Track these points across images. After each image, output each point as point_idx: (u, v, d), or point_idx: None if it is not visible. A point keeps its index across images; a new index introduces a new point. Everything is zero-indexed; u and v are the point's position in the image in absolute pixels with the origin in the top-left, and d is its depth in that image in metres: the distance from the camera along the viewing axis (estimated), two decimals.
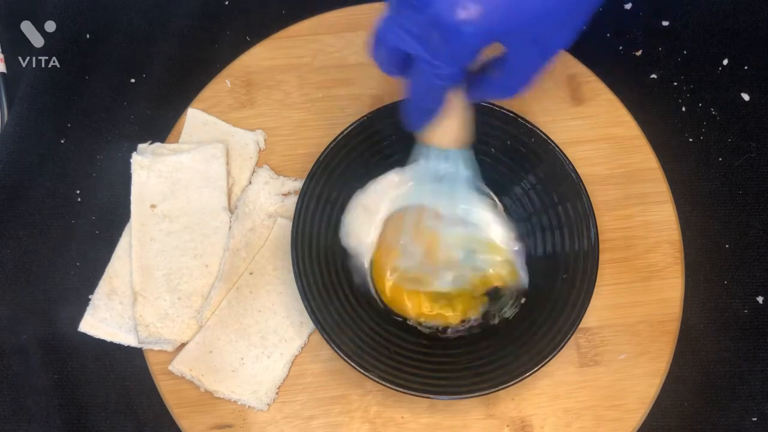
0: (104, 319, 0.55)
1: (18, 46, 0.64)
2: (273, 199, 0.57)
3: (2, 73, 0.64)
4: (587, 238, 0.52)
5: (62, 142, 0.61)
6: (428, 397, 0.50)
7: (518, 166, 0.55)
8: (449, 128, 0.46)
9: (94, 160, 0.61)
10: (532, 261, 0.54)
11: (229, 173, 0.58)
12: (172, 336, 0.54)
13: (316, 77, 0.60)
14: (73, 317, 0.55)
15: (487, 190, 0.55)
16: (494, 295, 0.54)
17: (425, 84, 0.41)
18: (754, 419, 0.55)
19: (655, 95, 0.62)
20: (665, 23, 0.64)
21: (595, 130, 0.59)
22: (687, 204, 0.59)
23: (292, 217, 0.53)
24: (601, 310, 0.55)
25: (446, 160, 0.48)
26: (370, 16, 0.61)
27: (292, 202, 0.57)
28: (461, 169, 0.49)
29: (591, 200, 0.52)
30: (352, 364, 0.49)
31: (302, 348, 0.55)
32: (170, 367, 0.53)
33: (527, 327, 0.52)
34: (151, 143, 0.58)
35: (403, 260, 0.53)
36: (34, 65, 0.62)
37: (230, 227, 0.57)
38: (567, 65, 0.60)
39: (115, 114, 0.62)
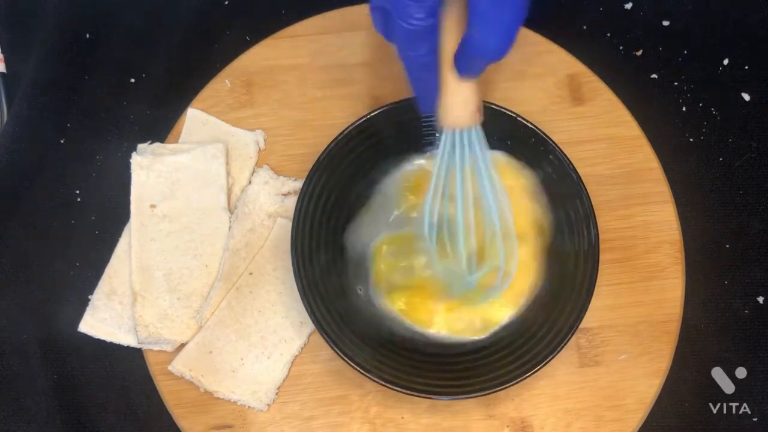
0: (104, 319, 0.55)
1: (18, 46, 0.64)
2: (273, 199, 0.57)
3: (2, 73, 0.64)
4: (587, 238, 0.51)
5: (62, 142, 0.61)
6: (428, 398, 0.50)
7: (518, 166, 0.55)
8: (453, 106, 0.46)
9: (94, 160, 0.61)
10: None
11: (229, 173, 0.58)
12: (171, 336, 0.54)
13: (316, 77, 0.60)
14: (73, 317, 0.55)
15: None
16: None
17: (404, 31, 0.41)
18: (755, 419, 0.55)
19: (655, 95, 0.62)
20: (665, 23, 0.64)
21: (595, 130, 0.59)
22: (687, 204, 0.59)
23: (292, 217, 0.53)
24: (601, 310, 0.55)
25: (459, 140, 0.47)
26: (370, 16, 0.61)
27: (292, 202, 0.57)
28: (474, 148, 0.47)
29: (591, 200, 0.52)
30: (352, 364, 0.49)
31: (302, 348, 0.54)
32: (170, 368, 0.53)
33: (527, 327, 0.52)
34: (151, 143, 0.58)
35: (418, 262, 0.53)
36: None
37: (230, 227, 0.57)
38: (567, 65, 0.60)
39: (115, 114, 0.62)
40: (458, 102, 0.46)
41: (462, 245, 0.50)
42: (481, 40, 0.41)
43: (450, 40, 0.44)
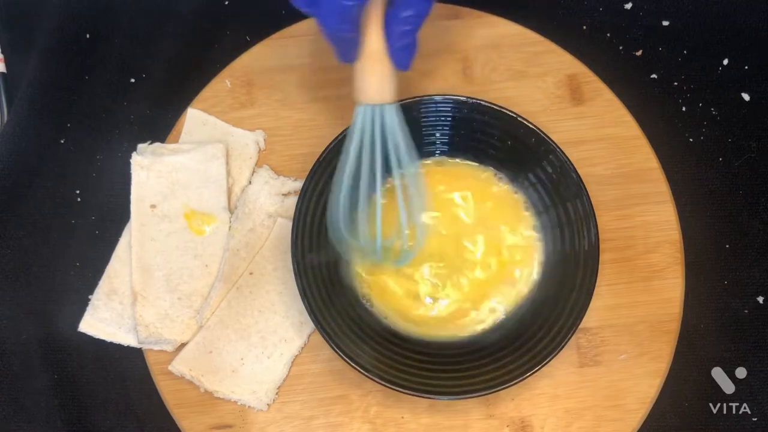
0: (104, 319, 0.55)
1: (18, 46, 0.64)
2: (273, 199, 0.57)
3: (2, 73, 0.64)
4: (587, 239, 0.51)
5: (62, 142, 0.61)
6: (428, 397, 0.50)
7: (519, 166, 0.55)
8: (371, 81, 0.47)
9: (94, 160, 0.61)
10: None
11: (229, 173, 0.58)
12: (172, 336, 0.54)
13: (316, 77, 0.60)
14: (73, 317, 0.55)
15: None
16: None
17: (332, 11, 0.44)
18: (755, 419, 0.55)
19: (655, 95, 0.62)
20: (665, 23, 0.64)
21: (595, 130, 0.59)
22: (687, 204, 0.59)
23: (292, 217, 0.53)
24: (601, 310, 0.55)
25: (373, 117, 0.48)
26: None
27: (292, 202, 0.57)
28: (389, 124, 0.48)
29: (591, 200, 0.52)
30: (352, 364, 0.49)
31: (302, 348, 0.54)
32: (170, 367, 0.53)
33: (527, 327, 0.52)
34: (151, 143, 0.58)
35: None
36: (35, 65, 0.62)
37: (230, 227, 0.57)
38: (567, 65, 0.60)
39: (115, 114, 0.62)
40: (379, 77, 0.47)
41: (380, 227, 0.51)
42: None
43: (378, 11, 0.46)
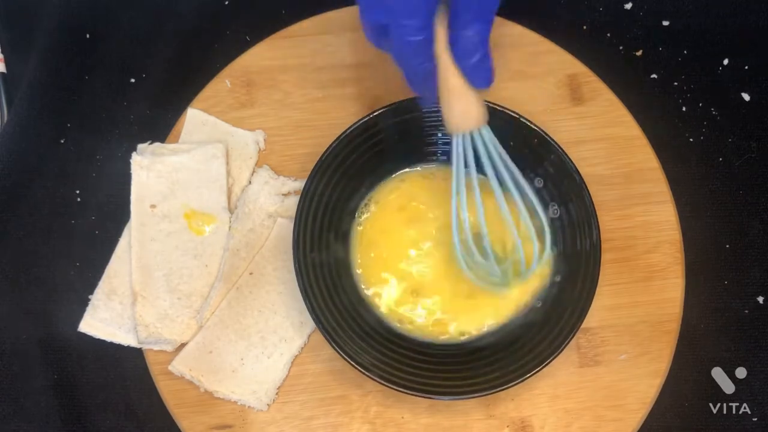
0: (104, 319, 0.55)
1: (18, 46, 0.64)
2: (273, 199, 0.57)
3: (2, 73, 0.64)
4: (589, 239, 0.51)
5: (62, 142, 0.61)
6: (429, 398, 0.50)
7: (521, 167, 0.55)
8: (460, 109, 0.46)
9: (94, 160, 0.61)
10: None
11: (229, 173, 0.58)
12: (172, 336, 0.54)
13: (316, 77, 0.60)
14: (73, 317, 0.55)
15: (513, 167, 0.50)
16: None
17: (403, 46, 0.43)
18: (755, 419, 0.55)
19: (655, 95, 0.62)
20: (665, 23, 0.64)
21: (595, 130, 0.59)
22: (687, 204, 0.59)
23: (292, 217, 0.53)
24: (601, 310, 0.55)
25: (469, 143, 0.48)
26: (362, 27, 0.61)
27: (292, 202, 0.57)
28: (487, 147, 0.48)
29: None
30: (353, 363, 0.49)
31: (302, 348, 0.54)
32: (170, 367, 0.53)
33: (528, 327, 0.52)
34: (151, 143, 0.58)
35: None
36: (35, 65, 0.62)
37: (230, 227, 0.57)
38: (567, 65, 0.60)
39: (115, 114, 0.62)
40: (463, 105, 0.46)
41: (491, 252, 0.50)
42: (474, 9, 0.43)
43: (445, 44, 0.45)
